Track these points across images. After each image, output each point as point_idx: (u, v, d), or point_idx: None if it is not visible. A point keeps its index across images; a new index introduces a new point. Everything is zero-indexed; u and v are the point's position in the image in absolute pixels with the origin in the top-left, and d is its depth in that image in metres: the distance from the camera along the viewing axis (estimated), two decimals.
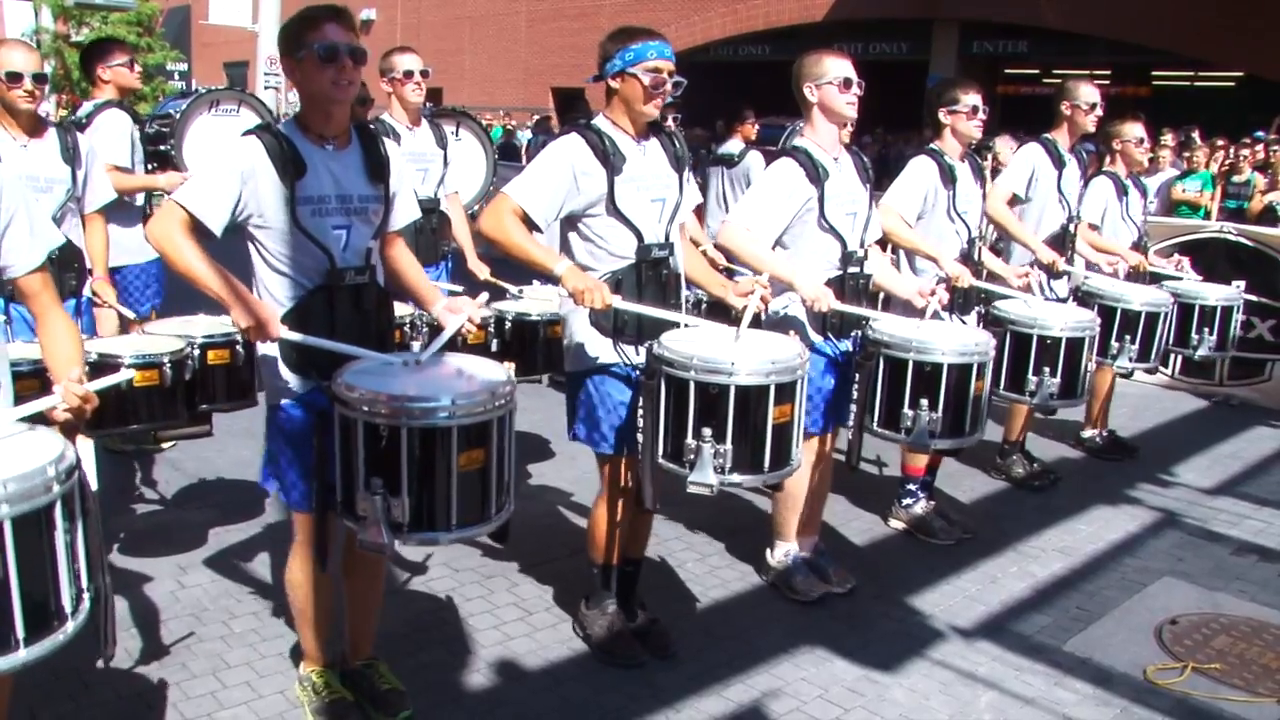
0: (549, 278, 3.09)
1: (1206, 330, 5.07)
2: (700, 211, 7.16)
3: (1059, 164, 4.94)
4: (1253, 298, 5.74)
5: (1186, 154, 9.81)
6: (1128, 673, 3.48)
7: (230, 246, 2.69)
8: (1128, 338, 4.73)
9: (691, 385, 2.88)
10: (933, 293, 3.70)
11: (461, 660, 3.41)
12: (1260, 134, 10.64)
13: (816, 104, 3.57)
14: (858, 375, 3.63)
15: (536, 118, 18.27)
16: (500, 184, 3.56)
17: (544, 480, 5.09)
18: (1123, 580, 4.22)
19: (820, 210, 3.54)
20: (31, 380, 2.76)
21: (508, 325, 4.09)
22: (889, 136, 17.15)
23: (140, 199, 5.07)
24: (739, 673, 3.38)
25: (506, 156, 9.90)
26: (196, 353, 3.46)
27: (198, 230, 2.58)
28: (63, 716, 2.98)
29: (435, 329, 3.09)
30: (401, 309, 3.75)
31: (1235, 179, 9.48)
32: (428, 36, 27.33)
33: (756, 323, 3.18)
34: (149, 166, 5.08)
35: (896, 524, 4.67)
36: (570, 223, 3.17)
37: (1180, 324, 5.03)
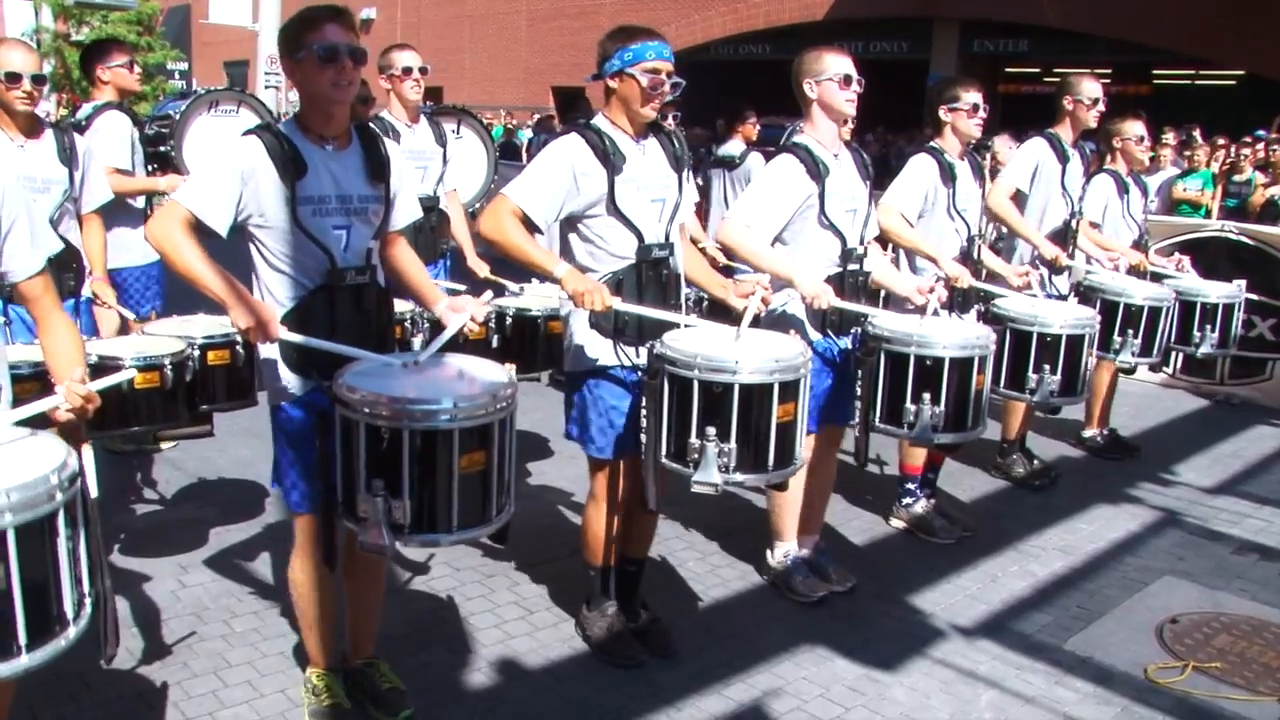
0: (548, 280, 3.09)
1: (1208, 327, 5.08)
2: (703, 213, 7.18)
3: (1063, 159, 4.94)
4: (1254, 296, 5.74)
5: (1187, 153, 9.81)
6: (1128, 671, 3.48)
7: (231, 246, 2.69)
8: (1130, 332, 4.73)
9: (695, 384, 2.88)
10: (931, 290, 3.70)
11: (462, 659, 3.41)
12: (1261, 133, 10.63)
13: (816, 100, 3.57)
14: (860, 372, 3.63)
15: (538, 117, 18.26)
16: (501, 182, 3.56)
17: (544, 479, 5.09)
18: (1123, 579, 4.22)
19: (821, 207, 3.54)
20: (32, 383, 2.76)
21: (508, 322, 4.09)
22: (889, 135, 17.15)
23: (141, 201, 5.07)
24: (740, 671, 3.38)
25: (507, 155, 9.89)
26: (197, 353, 3.46)
27: (198, 230, 2.58)
28: (65, 716, 2.99)
29: (436, 326, 3.09)
30: (401, 305, 3.76)
31: (1236, 178, 9.48)
32: (428, 35, 27.33)
33: (755, 321, 3.17)
34: (149, 168, 5.07)
35: (897, 523, 4.67)
36: (570, 223, 3.16)
37: (1182, 321, 5.04)
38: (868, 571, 4.13)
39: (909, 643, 3.62)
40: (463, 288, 3.87)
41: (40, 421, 2.14)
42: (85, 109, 5.01)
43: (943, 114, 4.28)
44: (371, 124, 3.77)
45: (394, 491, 2.41)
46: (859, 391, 3.73)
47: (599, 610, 3.47)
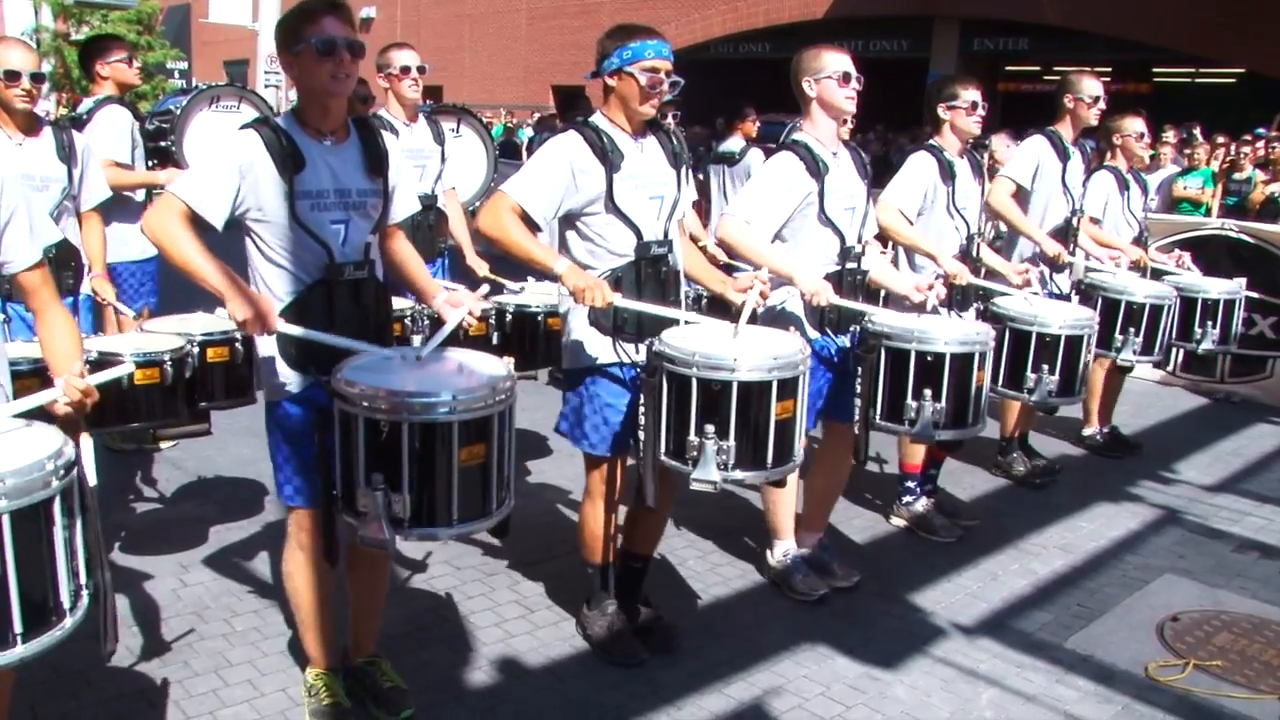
0: (548, 276, 3.09)
1: (1209, 324, 5.07)
2: (703, 210, 7.17)
3: (1063, 156, 4.94)
4: (1254, 294, 5.73)
5: (1187, 151, 9.81)
6: (1129, 670, 3.47)
7: (226, 242, 2.68)
8: (1131, 330, 4.73)
9: (694, 382, 2.88)
10: (930, 287, 3.70)
11: (463, 658, 3.40)
12: (1261, 131, 10.62)
13: (815, 99, 3.57)
14: (860, 370, 3.62)
15: (538, 116, 18.25)
16: (500, 181, 3.56)
17: (544, 477, 5.09)
18: (1124, 577, 4.22)
19: (820, 205, 3.54)
20: (31, 379, 2.76)
21: (509, 318, 4.09)
22: (889, 134, 17.13)
23: (140, 195, 5.07)
24: (740, 670, 3.38)
25: (507, 154, 9.89)
26: (196, 350, 3.45)
27: (195, 223, 2.56)
28: (65, 714, 2.98)
29: (436, 323, 3.09)
30: (402, 303, 3.76)
31: (1236, 176, 9.47)
32: (428, 34, 27.31)
33: (753, 318, 3.17)
34: (149, 163, 5.07)
35: (897, 521, 4.67)
36: (569, 221, 3.16)
37: (1183, 318, 5.03)
38: (868, 570, 4.12)
39: (910, 641, 3.62)
40: (460, 287, 3.86)
41: (40, 417, 2.13)
42: (86, 104, 5.02)
43: (942, 112, 4.28)
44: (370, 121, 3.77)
45: (394, 485, 2.40)
46: (858, 389, 3.73)
47: (599, 609, 3.47)
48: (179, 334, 3.47)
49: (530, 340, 4.11)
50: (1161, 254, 5.65)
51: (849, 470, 4.04)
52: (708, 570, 4.12)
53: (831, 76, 3.53)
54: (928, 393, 3.48)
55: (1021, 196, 4.92)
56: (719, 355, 2.87)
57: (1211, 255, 6.83)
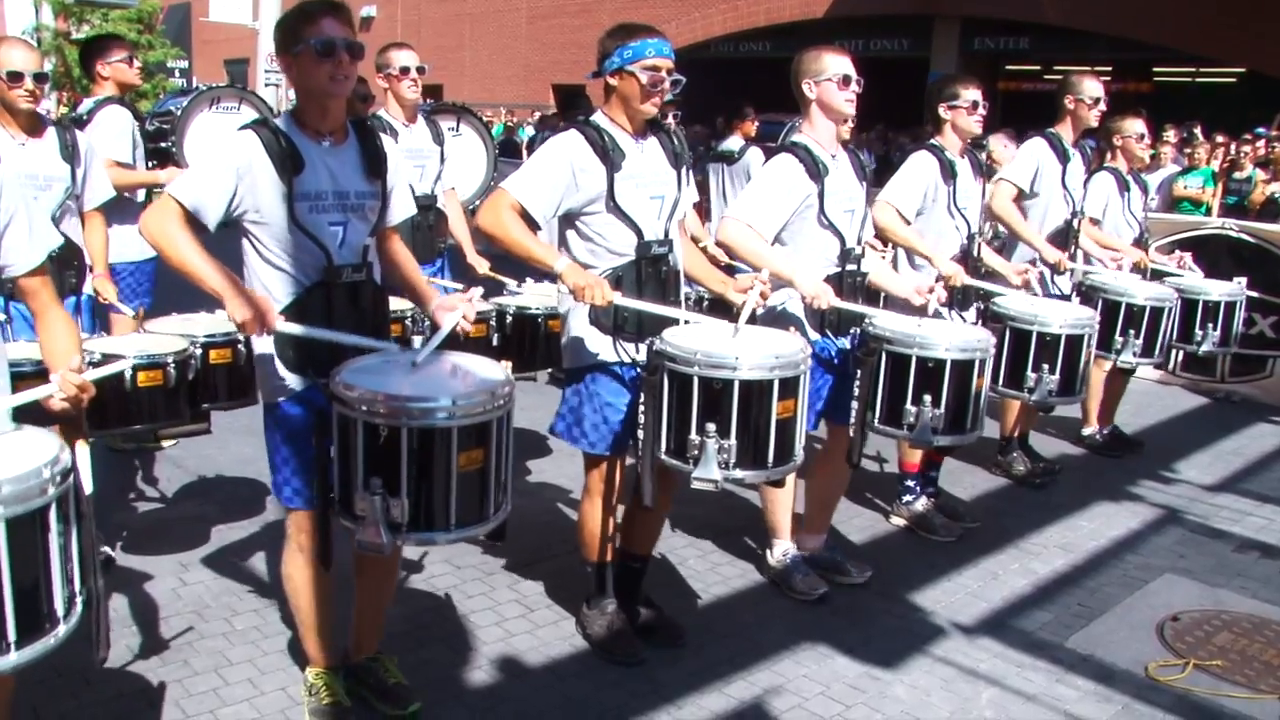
0: (548, 274, 3.09)
1: (1210, 325, 5.07)
2: (702, 210, 7.17)
3: (1063, 158, 4.93)
4: (1254, 294, 5.73)
5: (1188, 150, 9.80)
6: (1129, 669, 3.48)
7: (224, 242, 2.68)
8: (1131, 332, 4.73)
9: (695, 380, 2.88)
10: (930, 290, 3.70)
11: (463, 657, 3.41)
12: (1262, 130, 10.62)
13: (815, 101, 3.57)
14: (859, 372, 3.62)
15: (540, 115, 18.24)
16: (500, 180, 3.56)
17: (543, 477, 5.09)
18: (1124, 577, 4.22)
19: (820, 207, 3.54)
20: (34, 380, 2.75)
21: (508, 320, 4.09)
22: (889, 133, 17.13)
23: (141, 195, 5.07)
24: (740, 669, 3.38)
25: (507, 153, 9.89)
26: (199, 352, 3.46)
27: (193, 224, 2.56)
28: (66, 713, 2.99)
29: (435, 324, 3.09)
30: (401, 303, 3.75)
31: (1236, 175, 9.47)
32: (428, 33, 27.31)
33: (753, 319, 3.17)
34: (150, 164, 5.08)
35: (897, 521, 4.67)
36: (569, 220, 3.16)
37: (1184, 319, 5.03)
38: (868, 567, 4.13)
39: (910, 640, 3.62)
40: (459, 286, 3.86)
41: (42, 417, 2.13)
42: (86, 104, 5.01)
43: (942, 112, 4.28)
44: (369, 122, 3.77)
45: (391, 490, 2.40)
46: (855, 391, 3.73)
47: (599, 608, 3.47)
48: (182, 335, 3.48)
49: (530, 342, 4.11)
50: (1162, 255, 5.65)
51: (849, 472, 4.04)
52: (708, 570, 4.12)
53: (832, 79, 3.53)
54: (927, 398, 3.48)
55: (1021, 199, 4.93)
56: (720, 354, 2.87)
57: (1212, 255, 6.83)
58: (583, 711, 3.14)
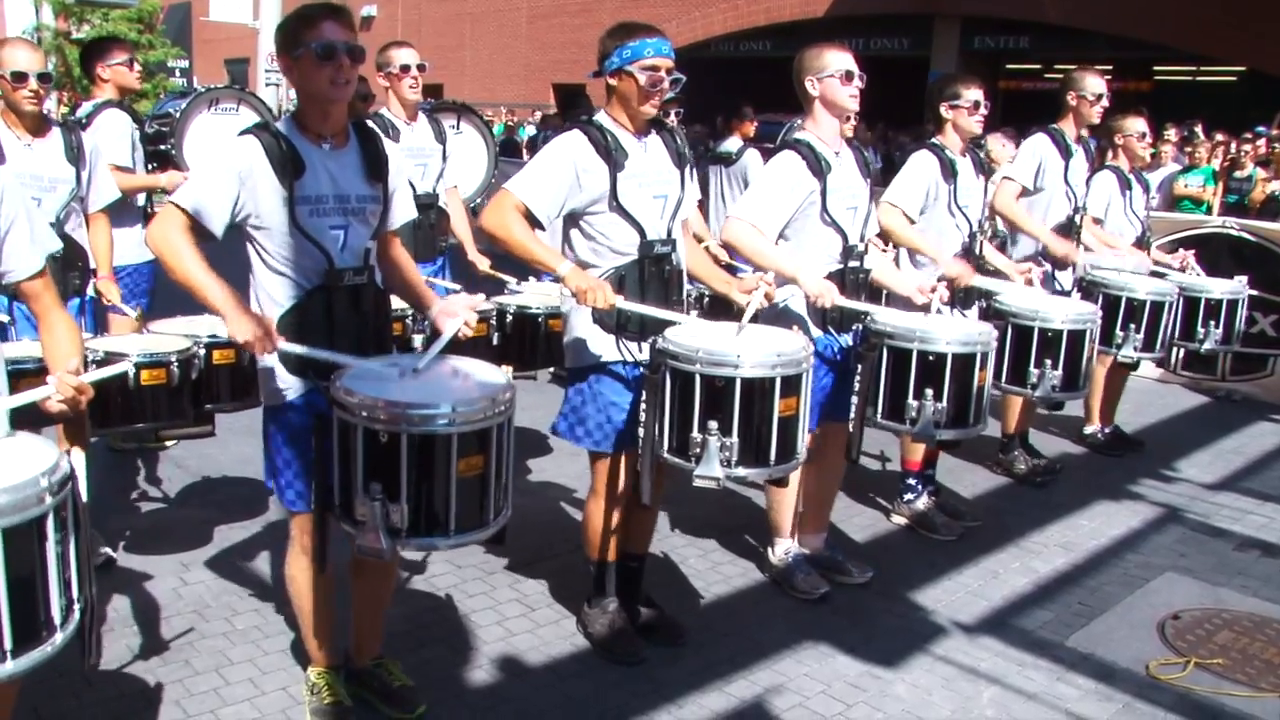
0: (551, 275, 3.09)
1: (1212, 323, 5.07)
2: (703, 210, 7.16)
3: (1066, 154, 4.94)
4: (1256, 293, 5.73)
5: (1188, 149, 9.80)
6: (1130, 668, 3.48)
7: (228, 246, 2.68)
8: (1132, 327, 4.72)
9: (697, 378, 2.88)
10: (933, 289, 3.70)
11: (464, 657, 3.41)
12: (1262, 129, 10.62)
13: (818, 97, 3.57)
14: (860, 367, 3.62)
15: (541, 114, 18.24)
16: (501, 178, 3.56)
17: (544, 476, 5.09)
18: (1125, 575, 4.22)
19: (823, 204, 3.54)
20: (37, 379, 2.75)
21: (509, 319, 4.09)
22: (890, 132, 17.12)
23: (141, 199, 5.07)
24: (741, 668, 3.38)
25: (507, 153, 9.89)
26: (202, 352, 3.46)
27: (197, 232, 2.56)
28: (66, 713, 2.99)
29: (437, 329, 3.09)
30: (400, 303, 3.75)
31: (1237, 174, 9.48)
32: (428, 32, 27.32)
33: (756, 317, 3.18)
34: (149, 166, 5.07)
35: (898, 519, 4.67)
36: (572, 220, 3.16)
37: (1185, 317, 5.03)
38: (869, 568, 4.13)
39: (910, 639, 3.62)
40: (458, 287, 3.86)
41: (43, 418, 2.13)
42: (85, 107, 5.01)
43: (943, 111, 4.28)
44: (370, 122, 3.77)
45: (391, 495, 2.39)
46: (855, 386, 3.73)
47: (600, 607, 3.47)
48: (186, 335, 3.48)
49: (531, 341, 4.11)
50: (1165, 254, 5.65)
51: (843, 469, 4.04)
52: (709, 569, 4.13)
53: (834, 75, 3.52)
54: (929, 392, 3.48)
55: (1025, 196, 4.93)
56: (723, 352, 2.87)
57: (1213, 253, 6.82)
58: (583, 711, 3.14)
